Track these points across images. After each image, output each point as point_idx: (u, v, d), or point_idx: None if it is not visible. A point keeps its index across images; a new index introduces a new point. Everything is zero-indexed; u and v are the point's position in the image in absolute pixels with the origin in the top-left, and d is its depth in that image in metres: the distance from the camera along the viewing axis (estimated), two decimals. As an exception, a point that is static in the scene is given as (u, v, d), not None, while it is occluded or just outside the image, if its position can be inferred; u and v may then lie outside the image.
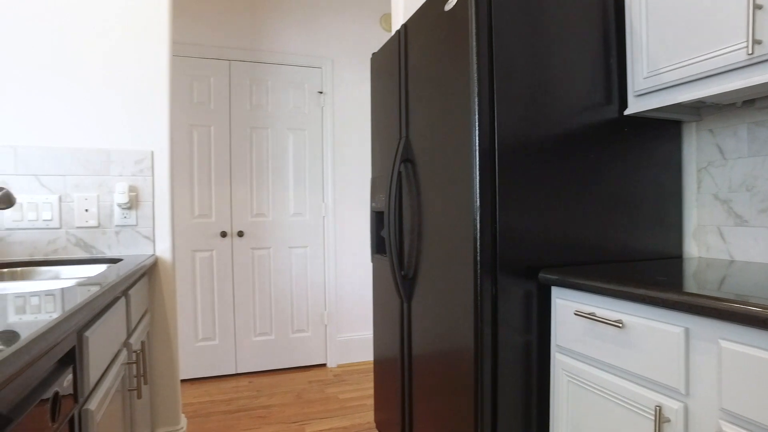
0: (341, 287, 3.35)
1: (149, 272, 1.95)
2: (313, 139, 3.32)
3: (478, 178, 1.30)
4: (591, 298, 1.18)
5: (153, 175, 1.95)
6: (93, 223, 1.87)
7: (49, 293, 1.00)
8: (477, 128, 1.30)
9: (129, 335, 1.50)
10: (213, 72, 3.12)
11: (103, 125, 1.89)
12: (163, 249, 1.97)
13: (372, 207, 2.09)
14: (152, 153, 1.95)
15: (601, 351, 1.15)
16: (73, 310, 0.84)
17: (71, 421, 0.92)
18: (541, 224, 1.36)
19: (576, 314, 1.20)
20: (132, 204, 1.91)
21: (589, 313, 1.16)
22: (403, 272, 1.79)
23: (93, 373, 1.02)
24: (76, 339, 0.94)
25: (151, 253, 1.94)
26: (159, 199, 1.96)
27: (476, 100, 1.29)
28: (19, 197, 1.80)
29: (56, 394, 0.81)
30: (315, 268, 3.32)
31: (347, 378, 3.00)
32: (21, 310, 0.84)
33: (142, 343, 1.51)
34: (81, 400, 0.97)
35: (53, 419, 0.79)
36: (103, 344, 1.11)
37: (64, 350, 0.87)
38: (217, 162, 3.13)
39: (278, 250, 3.25)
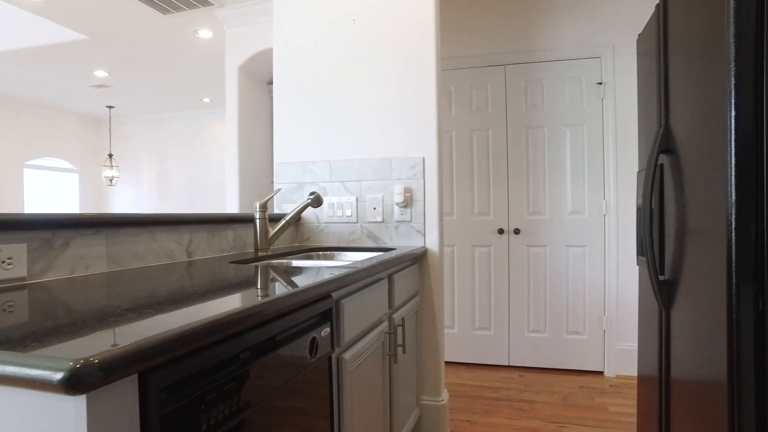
0: (623, 291, 3.07)
1: (419, 261, 2.27)
2: (592, 134, 3.14)
3: (733, 164, 1.07)
4: None
5: (424, 177, 2.27)
6: (379, 219, 2.31)
7: (333, 269, 1.35)
8: (733, 102, 1.07)
9: (393, 310, 1.82)
10: (489, 78, 3.32)
11: (386, 138, 2.31)
12: (431, 242, 2.26)
13: (637, 204, 1.90)
14: (423, 159, 2.26)
15: None
16: (322, 282, 1.13)
17: (329, 364, 1.24)
18: None
19: None
20: (407, 203, 2.27)
21: None
22: (662, 276, 1.58)
23: (348, 332, 1.32)
24: (334, 303, 1.26)
25: (421, 245, 2.26)
26: (429, 199, 2.26)
27: (732, 68, 1.07)
28: (331, 198, 2.38)
29: (314, 338, 1.12)
30: (593, 269, 3.14)
31: (624, 391, 2.74)
32: (312, 276, 1.19)
33: (403, 318, 1.81)
34: (337, 349, 1.29)
35: (311, 355, 1.10)
36: (359, 312, 1.41)
37: (322, 309, 1.18)
38: (495, 163, 3.32)
39: (554, 249, 3.22)
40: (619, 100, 3.07)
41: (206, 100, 6.97)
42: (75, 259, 1.26)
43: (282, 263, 1.80)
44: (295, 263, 1.81)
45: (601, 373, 3.09)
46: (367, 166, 2.34)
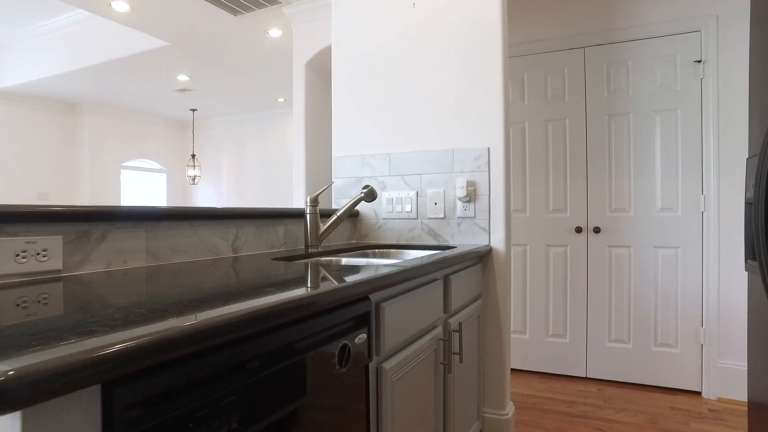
0: (726, 300, 2.67)
1: (483, 261, 2.09)
2: (688, 120, 2.77)
3: None
4: None
5: (489, 170, 2.08)
6: (440, 215, 2.15)
7: (375, 268, 1.23)
8: None
9: (449, 315, 1.65)
10: (566, 63, 3.03)
11: (448, 128, 2.15)
12: (497, 240, 2.07)
13: (746, 197, 1.59)
14: (488, 149, 2.07)
15: None
16: (354, 283, 1.00)
17: (366, 374, 1.11)
18: None
19: None
20: (470, 197, 2.09)
21: None
22: (779, 286, 1.29)
23: (390, 338, 1.18)
24: (372, 306, 1.12)
25: (486, 243, 2.08)
26: (494, 193, 2.07)
27: None
28: (390, 193, 2.25)
29: (345, 346, 1.00)
30: (688, 274, 2.76)
31: (727, 418, 2.37)
32: (351, 275, 1.07)
33: (460, 324, 1.64)
34: (376, 358, 1.15)
35: (341, 364, 0.98)
36: (405, 317, 1.27)
37: (357, 312, 1.05)
38: (572, 155, 3.03)
39: (640, 250, 2.88)
40: (723, 80, 2.67)
41: (281, 99, 7.14)
42: (111, 253, 1.23)
43: (330, 260, 1.70)
44: (345, 261, 1.70)
45: (699, 393, 2.71)
46: (427, 159, 2.19)
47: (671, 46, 2.79)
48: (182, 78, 5.95)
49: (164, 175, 8.34)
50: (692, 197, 2.76)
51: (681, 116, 2.78)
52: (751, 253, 1.54)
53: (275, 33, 4.48)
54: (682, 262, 2.78)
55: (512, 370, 3.15)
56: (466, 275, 1.82)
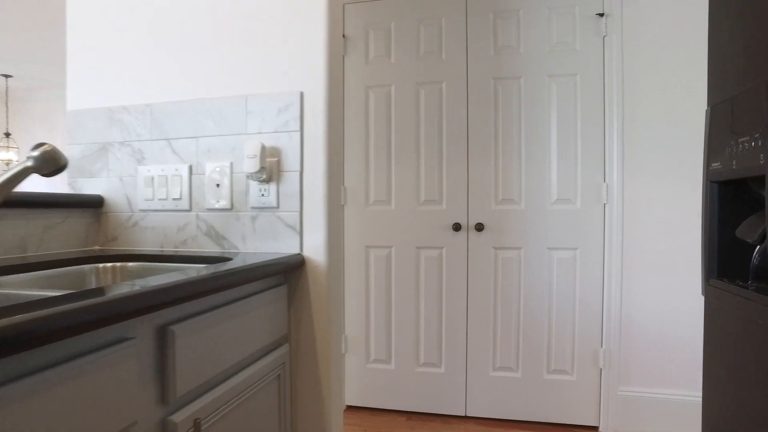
0: (631, 314, 2.13)
1: (292, 280, 1.28)
2: (589, 88, 2.19)
3: None
4: None
5: (302, 128, 1.27)
6: (225, 203, 1.31)
7: None
8: None
9: (175, 406, 0.81)
10: (445, 10, 2.33)
11: (237, 62, 1.31)
12: (314, 245, 1.27)
13: (709, 171, 0.93)
14: (301, 95, 1.27)
15: None
16: None
17: None
18: None
19: None
20: (270, 174, 1.27)
21: None
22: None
23: None
24: None
25: (296, 250, 1.27)
26: (311, 167, 1.27)
27: None
28: (149, 169, 1.37)
29: None
30: (588, 282, 2.19)
31: (636, 471, 1.81)
32: None
33: (197, 421, 0.82)
34: None
35: None
36: None
37: None
38: (450, 130, 2.34)
39: (532, 252, 2.26)
40: (629, 38, 2.12)
41: (125, 68, 5.85)
42: None
43: None
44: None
45: (596, 429, 2.15)
46: (206, 112, 1.33)
47: (569, -9, 2.19)
48: (-28, 27, 4.50)
49: (-24, 158, 6.61)
50: (593, 186, 2.19)
51: (581, 82, 2.19)
52: (718, 268, 0.88)
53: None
54: (580, 268, 2.20)
55: (374, 410, 2.41)
56: (245, 310, 1.00)
